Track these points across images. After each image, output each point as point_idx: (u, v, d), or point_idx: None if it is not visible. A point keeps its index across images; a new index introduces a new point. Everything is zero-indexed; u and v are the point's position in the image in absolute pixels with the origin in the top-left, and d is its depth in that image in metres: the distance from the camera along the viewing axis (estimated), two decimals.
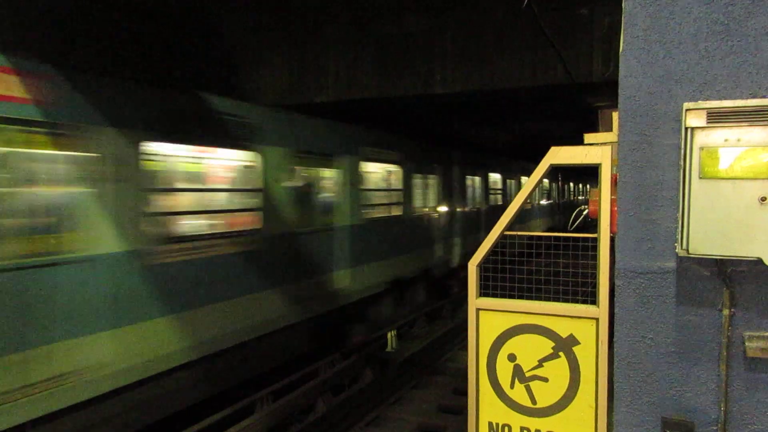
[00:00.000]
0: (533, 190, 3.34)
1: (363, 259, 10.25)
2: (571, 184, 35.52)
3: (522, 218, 19.25)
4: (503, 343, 3.44)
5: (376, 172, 11.50)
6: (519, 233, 3.48)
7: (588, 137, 3.45)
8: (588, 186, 42.71)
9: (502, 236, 3.40)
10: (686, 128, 2.62)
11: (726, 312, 2.72)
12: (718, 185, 2.58)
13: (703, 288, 2.76)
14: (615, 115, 3.05)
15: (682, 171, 2.64)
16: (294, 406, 7.87)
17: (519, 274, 3.64)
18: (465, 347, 11.25)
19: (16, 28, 6.93)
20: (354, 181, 10.13)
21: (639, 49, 2.81)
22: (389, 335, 10.81)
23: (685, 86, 2.71)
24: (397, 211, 11.96)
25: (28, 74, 5.05)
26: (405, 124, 14.20)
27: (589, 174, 40.72)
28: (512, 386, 3.43)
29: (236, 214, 7.74)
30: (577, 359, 3.25)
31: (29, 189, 5.22)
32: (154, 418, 6.43)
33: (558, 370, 3.30)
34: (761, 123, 2.52)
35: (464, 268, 3.52)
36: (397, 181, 12.06)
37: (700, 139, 2.60)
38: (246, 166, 7.74)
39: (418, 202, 13.04)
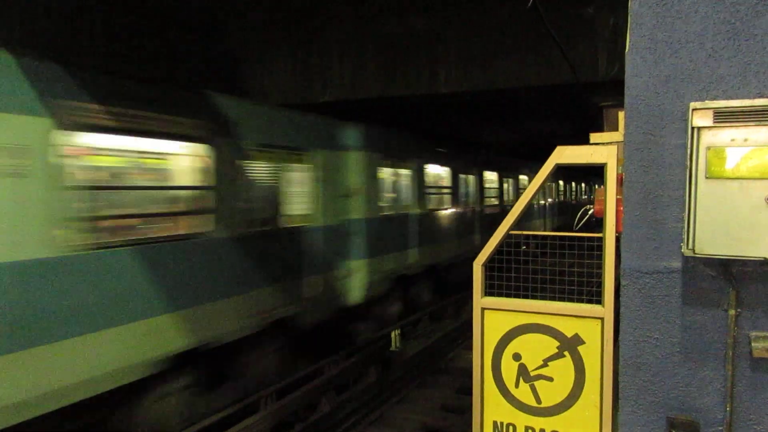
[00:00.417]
0: (539, 189, 3.34)
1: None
2: (573, 184, 34.56)
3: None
4: (508, 343, 3.45)
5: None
6: (524, 232, 3.48)
7: (594, 137, 3.45)
8: (590, 186, 42.28)
9: (507, 235, 3.41)
10: (693, 128, 2.62)
11: (732, 312, 2.71)
12: (725, 185, 2.57)
13: (708, 288, 2.76)
14: (621, 115, 3.06)
15: (688, 171, 2.64)
16: (298, 405, 7.87)
17: (524, 273, 3.64)
18: (469, 346, 11.30)
19: None
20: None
21: (645, 48, 2.80)
22: (393, 334, 10.80)
23: (691, 86, 2.71)
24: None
25: None
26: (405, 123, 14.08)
27: (592, 173, 40.49)
28: (517, 386, 3.43)
29: None
30: (582, 359, 3.25)
31: None
32: None
33: (563, 370, 3.30)
34: None
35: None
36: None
37: (707, 138, 2.60)
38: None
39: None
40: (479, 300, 3.51)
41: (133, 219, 6.25)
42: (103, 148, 5.89)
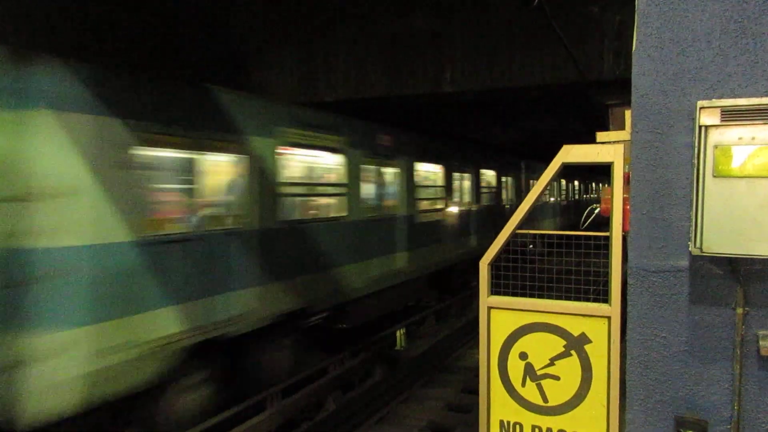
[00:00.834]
0: (545, 188, 3.34)
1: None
2: (576, 183, 34.05)
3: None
4: (515, 342, 3.44)
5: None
6: (531, 231, 3.48)
7: (600, 135, 3.44)
8: (593, 184, 42.01)
9: (513, 234, 3.41)
10: (700, 126, 2.62)
11: (740, 311, 2.71)
12: (732, 183, 2.57)
13: (716, 287, 2.76)
14: (628, 114, 3.05)
15: (695, 169, 2.64)
16: (304, 404, 7.90)
17: (531, 272, 3.64)
18: (474, 346, 11.29)
19: None
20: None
21: (652, 47, 2.80)
22: (398, 333, 10.82)
23: (698, 84, 2.71)
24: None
25: None
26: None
27: (597, 172, 40.28)
28: (524, 385, 3.43)
29: None
30: (588, 358, 3.25)
31: None
32: None
33: (570, 369, 3.30)
34: None
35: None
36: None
37: (714, 137, 2.59)
38: None
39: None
40: (485, 299, 3.51)
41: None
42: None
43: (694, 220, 2.65)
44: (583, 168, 30.76)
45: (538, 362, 3.38)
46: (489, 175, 17.21)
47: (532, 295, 3.48)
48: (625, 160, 3.14)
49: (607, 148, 3.17)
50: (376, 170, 10.56)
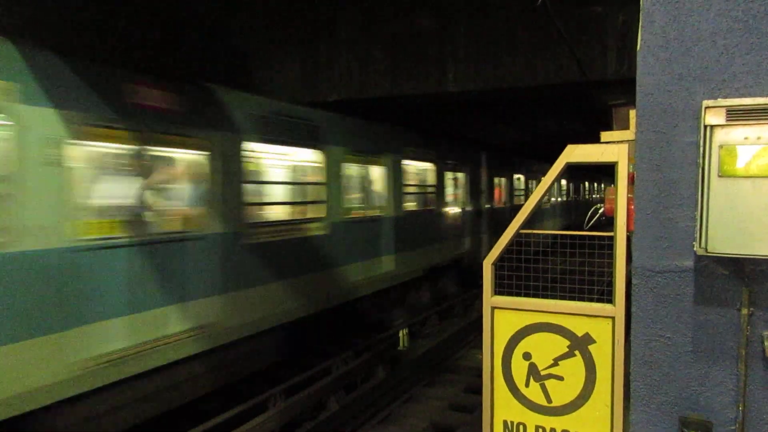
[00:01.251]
0: (549, 188, 3.33)
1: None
2: (564, 182, 33.26)
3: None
4: (518, 342, 3.44)
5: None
6: (535, 231, 3.47)
7: (604, 135, 3.44)
8: (586, 183, 41.57)
9: (517, 234, 3.40)
10: (705, 126, 2.61)
11: (745, 311, 2.70)
12: (738, 183, 2.56)
13: (721, 287, 2.75)
14: (632, 113, 3.04)
15: (700, 169, 2.63)
16: (306, 404, 7.89)
17: (534, 272, 3.63)
18: (476, 346, 11.30)
19: None
20: None
21: (657, 46, 2.79)
22: (401, 333, 10.81)
23: (704, 84, 2.70)
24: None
25: None
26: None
27: (598, 172, 39.99)
28: (527, 385, 3.42)
29: None
30: (592, 358, 3.24)
31: None
32: None
33: (573, 369, 3.29)
34: None
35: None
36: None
37: (720, 137, 2.58)
38: None
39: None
40: (489, 299, 3.50)
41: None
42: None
43: (699, 220, 2.65)
44: (573, 168, 30.01)
45: (541, 362, 3.38)
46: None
47: (536, 295, 3.48)
48: (629, 159, 3.13)
49: (611, 148, 3.16)
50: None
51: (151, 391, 6.29)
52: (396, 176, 11.40)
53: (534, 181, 22.05)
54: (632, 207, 3.01)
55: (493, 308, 3.49)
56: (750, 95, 2.61)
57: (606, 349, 3.19)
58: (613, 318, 3.16)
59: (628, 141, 3.17)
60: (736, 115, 2.56)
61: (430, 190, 13.21)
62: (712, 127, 2.60)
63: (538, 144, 23.21)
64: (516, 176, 20.52)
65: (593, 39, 7.84)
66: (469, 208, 15.41)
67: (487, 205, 16.70)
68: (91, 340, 5.52)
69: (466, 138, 17.36)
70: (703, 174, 2.62)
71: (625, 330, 3.12)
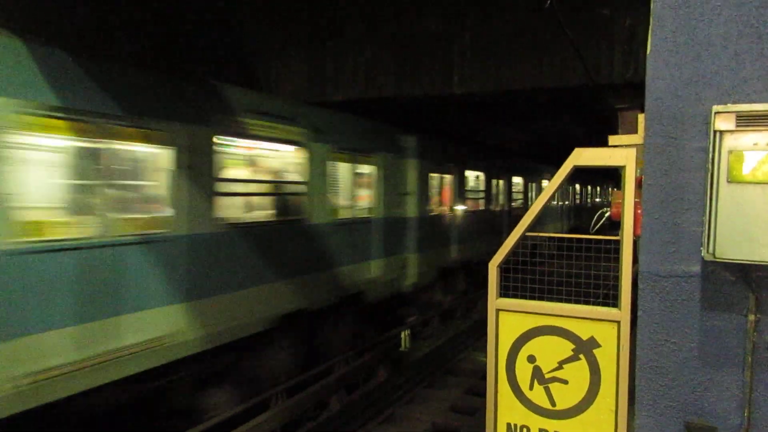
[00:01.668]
0: (556, 190, 3.33)
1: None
2: (578, 186, 31.02)
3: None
4: (523, 345, 3.43)
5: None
6: (541, 234, 3.47)
7: (612, 139, 3.43)
8: (576, 187, 40.82)
9: (523, 237, 3.40)
10: (715, 131, 2.60)
11: (751, 317, 2.70)
12: (746, 189, 2.55)
13: (728, 293, 2.74)
14: (641, 117, 3.04)
15: (709, 174, 2.62)
16: (308, 403, 7.89)
17: (540, 275, 3.62)
18: (478, 348, 11.29)
19: None
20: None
21: (667, 50, 2.79)
22: (403, 334, 10.80)
23: (713, 89, 2.69)
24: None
25: None
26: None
27: (600, 175, 39.61)
28: (531, 388, 3.41)
29: None
30: (597, 362, 3.23)
31: None
32: None
33: (578, 373, 3.28)
34: None
35: None
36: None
37: (729, 142, 2.58)
38: None
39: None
40: (494, 301, 3.50)
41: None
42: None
43: (707, 226, 2.64)
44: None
45: (546, 365, 3.37)
46: None
47: (541, 298, 3.47)
48: (637, 163, 3.13)
49: (619, 152, 3.15)
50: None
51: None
52: None
53: (502, 181, 17.61)
54: (639, 211, 3.01)
55: (497, 310, 3.49)
56: (760, 101, 2.61)
57: (611, 353, 3.18)
58: (618, 322, 3.15)
59: (636, 145, 3.17)
60: (746, 121, 2.55)
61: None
62: (722, 132, 2.60)
63: (542, 147, 23.19)
64: (474, 174, 15.27)
65: (600, 42, 7.84)
66: (377, 216, 10.24)
67: (416, 212, 11.57)
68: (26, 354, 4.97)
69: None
70: (712, 179, 2.61)
71: (630, 334, 3.11)
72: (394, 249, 10.77)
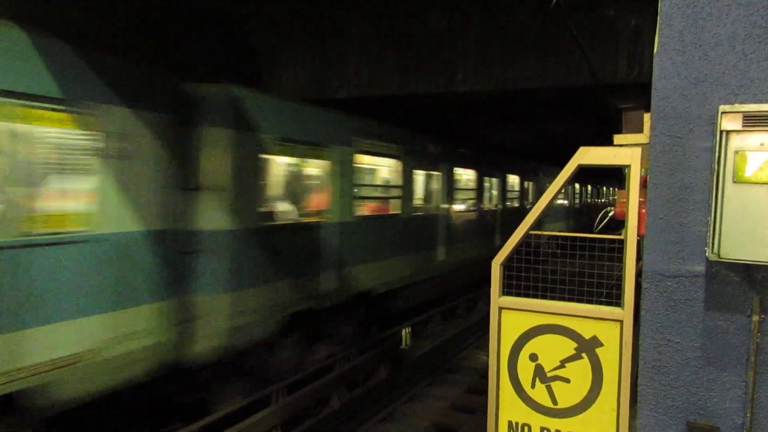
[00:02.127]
0: (560, 190, 3.32)
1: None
2: (577, 186, 30.39)
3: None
4: (525, 343, 3.43)
5: None
6: (544, 233, 3.47)
7: (617, 138, 3.43)
8: (597, 188, 40.15)
9: (527, 236, 3.39)
10: (721, 131, 2.60)
11: (755, 318, 2.69)
12: (752, 190, 2.55)
13: (732, 293, 2.74)
14: (646, 117, 3.03)
15: (715, 174, 2.62)
16: (309, 400, 7.90)
17: (543, 273, 3.62)
18: (479, 346, 11.28)
19: None
20: None
21: (674, 50, 2.78)
22: (404, 332, 10.81)
23: (720, 89, 2.69)
24: None
25: None
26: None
27: (602, 175, 39.22)
28: (533, 386, 3.42)
29: None
30: (600, 361, 3.23)
31: None
32: None
33: (580, 372, 3.28)
34: None
35: None
36: None
37: (735, 142, 2.57)
38: None
39: None
40: (497, 299, 3.50)
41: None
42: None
43: (711, 226, 2.63)
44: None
45: (548, 364, 3.37)
46: None
47: (543, 297, 3.47)
48: (642, 163, 3.12)
49: (624, 151, 3.15)
50: None
51: None
52: None
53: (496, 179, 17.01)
54: (643, 211, 3.01)
55: (500, 309, 3.49)
56: (767, 101, 2.60)
57: (613, 353, 3.18)
58: (621, 321, 3.15)
59: (641, 144, 3.16)
60: (752, 121, 2.55)
61: None
62: (728, 132, 2.59)
63: (544, 146, 23.16)
64: (426, 171, 12.85)
65: (605, 42, 7.82)
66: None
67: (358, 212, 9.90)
68: None
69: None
70: (718, 179, 2.61)
71: (632, 333, 3.11)
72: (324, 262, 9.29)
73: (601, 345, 3.23)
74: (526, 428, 3.46)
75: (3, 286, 4.93)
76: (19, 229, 5.04)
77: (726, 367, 2.77)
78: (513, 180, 18.64)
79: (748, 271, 2.69)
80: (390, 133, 10.95)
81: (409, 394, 8.93)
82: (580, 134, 18.30)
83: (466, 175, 14.84)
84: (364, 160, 10.21)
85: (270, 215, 7.83)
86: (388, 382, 9.01)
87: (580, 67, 7.89)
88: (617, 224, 3.38)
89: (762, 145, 2.53)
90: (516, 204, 18.82)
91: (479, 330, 12.09)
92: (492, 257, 3.43)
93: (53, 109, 5.29)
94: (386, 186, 11.40)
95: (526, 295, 3.49)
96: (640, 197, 3.09)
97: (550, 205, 3.37)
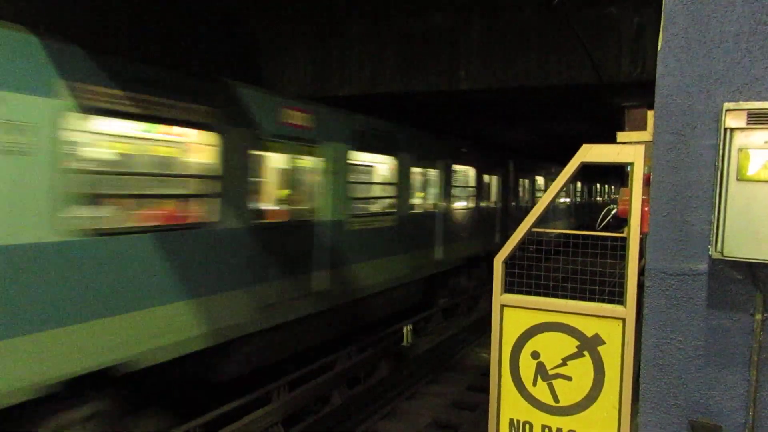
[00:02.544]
0: (563, 187, 3.32)
1: None
2: (579, 184, 30.04)
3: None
4: (527, 341, 3.43)
5: None
6: (547, 230, 3.46)
7: (621, 136, 3.42)
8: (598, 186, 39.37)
9: (529, 233, 3.39)
10: (725, 129, 2.59)
11: (758, 317, 2.68)
12: (756, 188, 2.54)
13: (735, 291, 2.73)
14: (650, 114, 3.02)
15: (718, 172, 2.61)
16: (310, 397, 7.91)
17: (545, 271, 3.62)
18: (480, 344, 11.28)
19: None
20: None
21: (678, 47, 2.77)
22: (405, 330, 10.81)
23: (724, 86, 2.68)
24: None
25: None
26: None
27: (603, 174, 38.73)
28: (535, 384, 3.41)
29: None
30: (601, 359, 3.23)
31: None
32: None
33: (582, 369, 3.28)
34: None
35: None
36: None
37: (739, 140, 2.56)
38: None
39: None
40: (499, 297, 3.49)
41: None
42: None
43: (715, 224, 2.63)
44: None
45: (550, 362, 3.37)
46: None
47: (545, 294, 3.46)
48: (645, 161, 3.12)
49: (627, 149, 3.14)
50: None
51: None
52: None
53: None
54: (646, 209, 3.00)
55: (502, 306, 3.48)
56: None
57: (615, 351, 3.18)
58: (623, 319, 3.15)
59: (644, 142, 3.16)
60: (757, 119, 2.54)
61: None
62: (732, 130, 2.58)
63: (546, 145, 23.12)
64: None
65: (607, 40, 7.80)
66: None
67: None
68: None
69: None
70: (721, 177, 2.60)
71: (635, 332, 3.11)
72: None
73: (603, 343, 3.22)
74: (527, 426, 3.45)
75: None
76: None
77: (728, 366, 2.77)
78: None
79: (751, 269, 2.68)
80: None
81: (411, 391, 8.93)
82: (582, 133, 18.26)
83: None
84: None
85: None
86: (390, 380, 9.01)
87: (583, 65, 7.87)
88: (619, 222, 3.37)
89: (766, 142, 2.52)
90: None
91: (480, 328, 12.09)
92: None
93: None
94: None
95: (528, 293, 3.49)
96: (643, 195, 3.08)
97: (553, 203, 3.37)
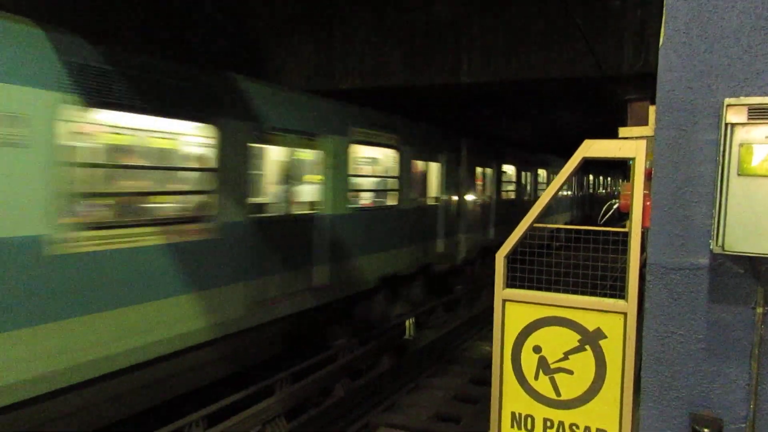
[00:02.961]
0: (565, 182, 3.33)
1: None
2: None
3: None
4: (529, 335, 3.45)
5: None
6: (549, 225, 3.47)
7: (622, 131, 3.42)
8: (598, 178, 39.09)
9: (531, 228, 3.40)
10: (726, 124, 2.59)
11: (759, 310, 2.70)
12: (757, 182, 2.55)
13: (736, 285, 2.74)
14: (652, 109, 3.03)
15: (720, 167, 2.62)
16: (312, 389, 7.95)
17: (547, 266, 3.63)
18: (483, 337, 11.31)
19: None
20: None
21: (679, 42, 2.77)
22: (407, 323, 10.85)
23: (725, 81, 2.68)
24: None
25: None
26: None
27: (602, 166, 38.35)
28: (536, 378, 3.43)
29: None
30: (603, 353, 3.24)
31: None
32: None
33: (583, 363, 3.30)
34: None
35: None
36: None
37: (740, 135, 2.57)
38: None
39: None
40: (501, 291, 3.51)
41: None
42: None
43: (716, 218, 2.64)
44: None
45: (551, 356, 3.38)
46: None
47: (547, 289, 3.48)
48: (647, 155, 3.12)
49: (629, 144, 3.15)
50: None
51: None
52: None
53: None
54: (648, 203, 3.01)
55: (504, 301, 3.50)
56: None
57: (617, 345, 3.19)
58: (625, 314, 3.16)
59: (646, 137, 3.16)
60: (758, 114, 2.54)
61: None
62: (733, 125, 2.59)
63: (549, 138, 23.09)
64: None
65: (610, 34, 7.79)
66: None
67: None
68: None
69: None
70: (722, 172, 2.61)
71: (636, 326, 3.12)
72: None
73: (605, 337, 3.24)
74: (529, 419, 3.48)
75: None
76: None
77: (729, 359, 2.78)
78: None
79: (752, 263, 2.69)
80: None
81: (413, 384, 8.97)
82: (585, 126, 18.23)
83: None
84: None
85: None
86: (392, 373, 9.05)
87: (585, 59, 7.87)
88: (621, 216, 3.38)
89: (767, 137, 2.53)
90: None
91: (482, 321, 12.12)
92: None
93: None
94: None
95: (530, 288, 3.50)
96: (644, 190, 3.09)
97: (555, 197, 3.38)
